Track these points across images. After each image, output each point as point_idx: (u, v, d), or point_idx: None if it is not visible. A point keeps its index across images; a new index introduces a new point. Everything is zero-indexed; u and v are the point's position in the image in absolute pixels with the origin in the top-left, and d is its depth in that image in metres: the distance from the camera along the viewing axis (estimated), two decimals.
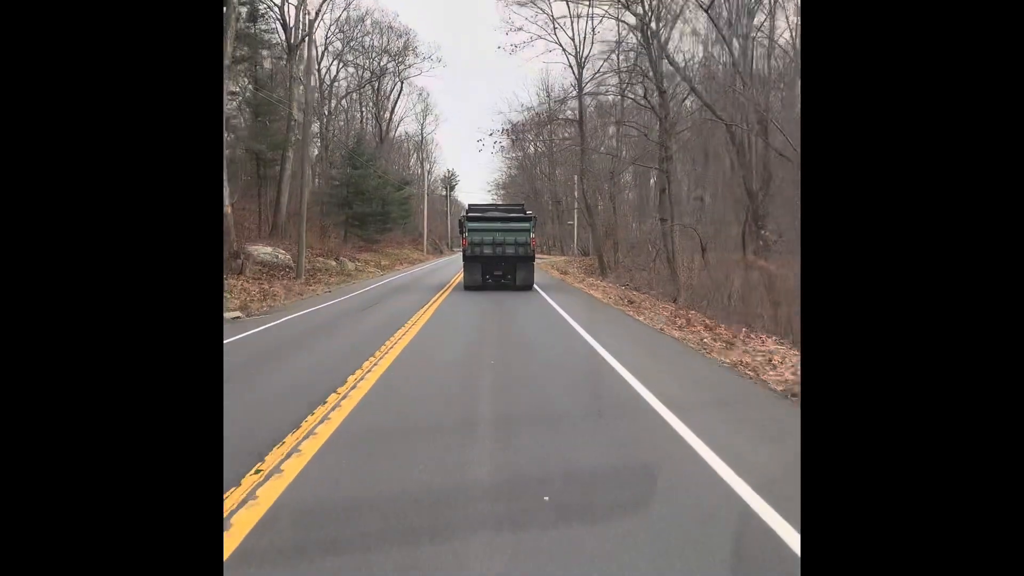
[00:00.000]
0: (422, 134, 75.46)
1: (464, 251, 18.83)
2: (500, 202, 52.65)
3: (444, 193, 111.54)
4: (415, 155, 79.01)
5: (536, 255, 21.09)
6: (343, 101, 51.17)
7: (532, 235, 18.64)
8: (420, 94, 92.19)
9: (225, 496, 3.60)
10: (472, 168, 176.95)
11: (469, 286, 19.00)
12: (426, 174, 56.23)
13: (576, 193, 49.90)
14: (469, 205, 21.37)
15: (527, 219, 18.78)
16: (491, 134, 25.37)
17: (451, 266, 38.91)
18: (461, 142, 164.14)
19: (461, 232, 18.99)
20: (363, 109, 57.39)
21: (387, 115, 60.44)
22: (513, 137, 28.20)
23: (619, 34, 25.58)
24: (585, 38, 46.04)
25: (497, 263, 18.95)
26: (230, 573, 2.69)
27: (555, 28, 30.06)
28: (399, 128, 70.60)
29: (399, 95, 60.41)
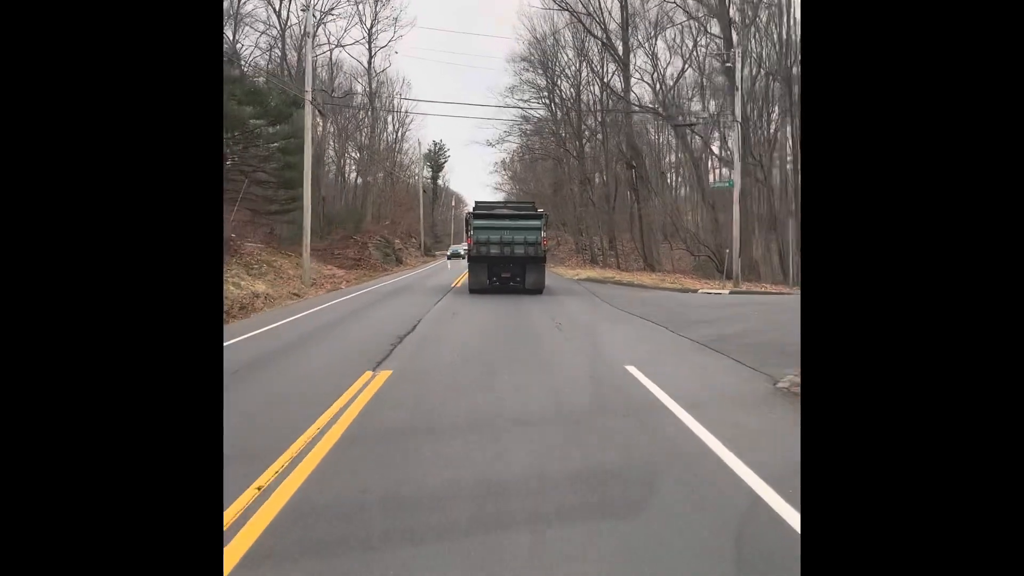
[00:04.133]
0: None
1: (469, 251, 17.77)
2: (509, 194, 50.27)
3: (427, 175, 79.40)
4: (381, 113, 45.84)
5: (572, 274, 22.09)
6: None
7: (543, 234, 17.31)
8: None
9: None
10: (466, 130, 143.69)
11: (474, 289, 17.88)
12: (309, 61, 22.28)
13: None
14: (476, 202, 19.70)
15: (538, 217, 17.54)
16: None
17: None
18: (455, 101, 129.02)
19: (467, 231, 17.84)
20: None
21: None
22: None
23: None
24: None
25: (505, 264, 17.69)
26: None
27: None
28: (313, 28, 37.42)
29: None
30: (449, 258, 49.63)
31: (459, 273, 27.10)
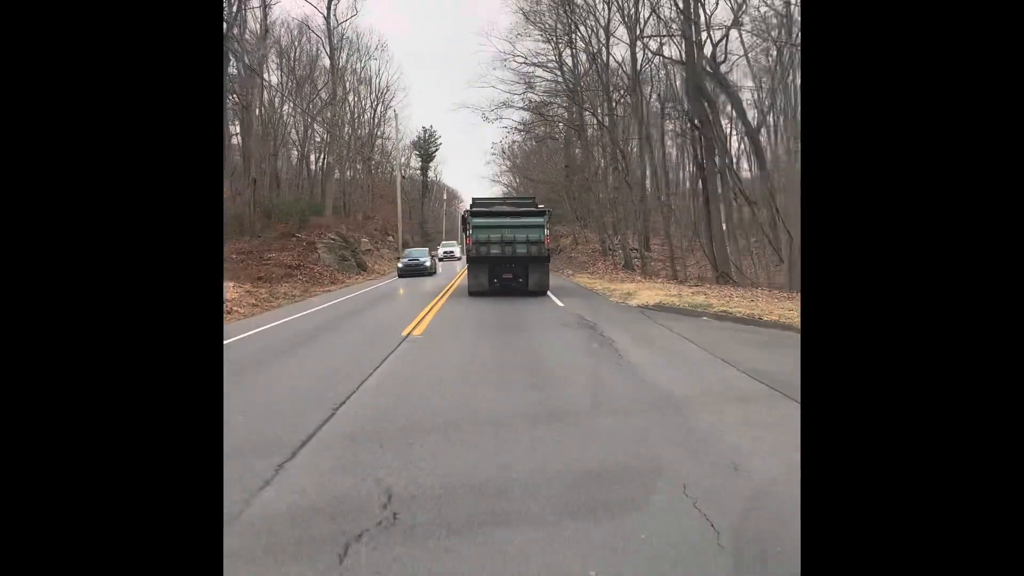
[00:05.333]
0: None
1: (469, 251, 16.50)
2: (508, 187, 45.26)
3: (416, 166, 69.35)
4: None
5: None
6: None
7: (546, 232, 16.39)
8: None
9: None
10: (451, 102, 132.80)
11: (474, 291, 16.68)
12: None
13: None
14: (473, 199, 17.91)
15: (540, 214, 16.51)
16: None
17: None
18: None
19: (464, 229, 16.64)
20: None
21: None
22: None
23: None
24: None
25: (506, 264, 16.55)
26: None
27: None
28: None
29: None
30: (401, 274, 27.69)
31: (424, 301, 16.75)
